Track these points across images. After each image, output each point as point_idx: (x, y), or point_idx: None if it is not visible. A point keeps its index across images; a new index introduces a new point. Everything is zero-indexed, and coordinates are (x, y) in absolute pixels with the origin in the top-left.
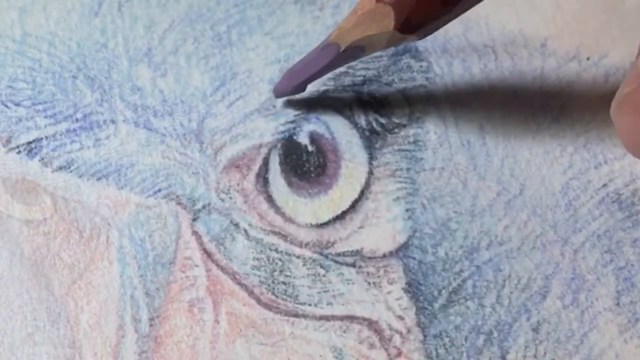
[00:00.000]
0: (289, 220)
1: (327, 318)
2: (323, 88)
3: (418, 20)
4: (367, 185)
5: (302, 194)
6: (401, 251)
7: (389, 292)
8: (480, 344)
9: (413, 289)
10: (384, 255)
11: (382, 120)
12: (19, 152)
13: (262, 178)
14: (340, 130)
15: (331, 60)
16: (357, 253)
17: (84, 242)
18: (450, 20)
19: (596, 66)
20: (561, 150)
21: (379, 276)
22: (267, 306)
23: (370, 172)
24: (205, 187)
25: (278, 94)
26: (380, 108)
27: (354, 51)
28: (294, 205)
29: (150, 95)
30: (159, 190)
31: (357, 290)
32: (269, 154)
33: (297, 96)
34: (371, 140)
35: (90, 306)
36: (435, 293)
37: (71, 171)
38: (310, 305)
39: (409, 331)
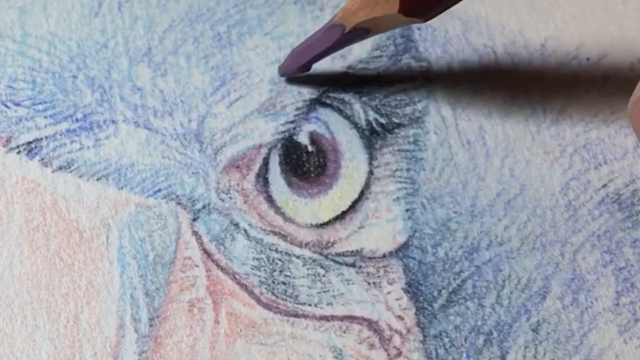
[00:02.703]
0: (289, 220)
1: (327, 318)
2: (323, 88)
3: (423, 2)
4: (367, 185)
5: (302, 194)
6: (401, 251)
7: (389, 292)
8: (480, 344)
9: (413, 289)
10: (384, 256)
11: (382, 120)
12: (19, 152)
13: (262, 178)
14: (340, 130)
15: (335, 41)
16: (357, 253)
17: (84, 242)
18: (455, 3)
19: (596, 66)
20: (561, 150)
21: (379, 276)
22: (267, 306)
23: (370, 172)
24: (205, 187)
25: (283, 73)
26: (380, 108)
27: (359, 33)
28: (294, 205)
29: (150, 95)
30: (159, 190)
31: (357, 290)
32: (269, 154)
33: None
34: (371, 140)
35: (90, 306)
36: (435, 293)
37: (71, 171)
38: (310, 305)
39: (408, 331)
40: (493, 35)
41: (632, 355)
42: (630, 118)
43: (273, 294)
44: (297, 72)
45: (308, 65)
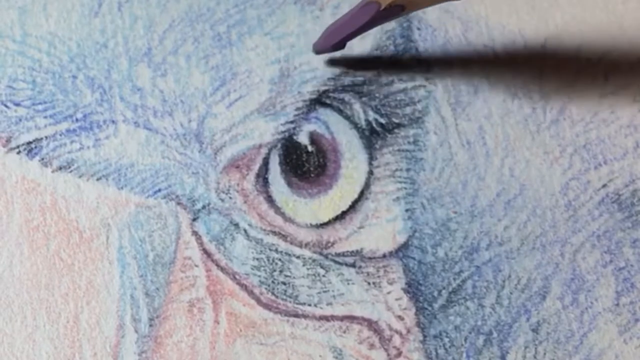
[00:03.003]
0: (289, 220)
1: (327, 318)
2: (323, 88)
3: None
4: (367, 185)
5: (302, 194)
6: (401, 251)
7: (388, 293)
8: (480, 344)
9: (413, 289)
10: (384, 256)
11: (382, 120)
12: (19, 152)
13: (262, 178)
14: (340, 130)
15: (370, 18)
16: (357, 253)
17: (84, 242)
18: None
19: (596, 66)
20: (561, 150)
21: (378, 276)
22: (267, 306)
23: (370, 172)
24: (205, 187)
25: (317, 50)
26: (380, 108)
27: (394, 10)
28: (294, 205)
29: (150, 95)
30: (159, 190)
31: (357, 290)
32: (269, 154)
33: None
34: (371, 140)
35: (90, 306)
36: (435, 293)
37: (71, 171)
38: (310, 305)
39: (408, 331)
40: (493, 35)
41: (632, 355)
42: None
43: (273, 294)
44: (331, 49)
45: (343, 42)
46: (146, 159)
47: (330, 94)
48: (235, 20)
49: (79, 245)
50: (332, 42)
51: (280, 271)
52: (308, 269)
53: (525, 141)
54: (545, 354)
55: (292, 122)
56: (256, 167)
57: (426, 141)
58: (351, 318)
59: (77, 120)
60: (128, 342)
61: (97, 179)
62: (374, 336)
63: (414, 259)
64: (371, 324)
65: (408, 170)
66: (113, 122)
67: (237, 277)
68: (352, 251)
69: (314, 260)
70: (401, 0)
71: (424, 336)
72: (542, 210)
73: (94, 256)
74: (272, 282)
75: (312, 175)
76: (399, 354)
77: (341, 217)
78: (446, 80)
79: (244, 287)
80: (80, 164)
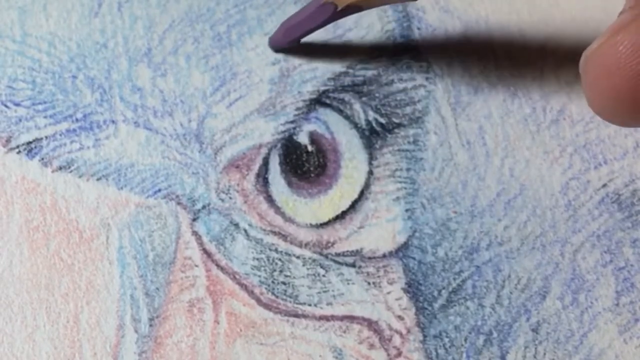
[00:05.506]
0: (289, 220)
1: (327, 318)
2: (323, 88)
3: None
4: (367, 185)
5: (302, 194)
6: (401, 251)
7: (388, 292)
8: (480, 344)
9: (413, 289)
10: (384, 255)
11: (382, 120)
12: (19, 152)
13: (262, 178)
14: (340, 130)
15: (327, 19)
16: (357, 253)
17: (84, 242)
18: None
19: None
20: (561, 150)
21: (378, 276)
22: (267, 306)
23: (370, 172)
24: (205, 187)
25: (273, 46)
26: (380, 108)
27: (351, 9)
28: (294, 205)
29: (150, 95)
30: (159, 190)
31: (357, 290)
32: (269, 154)
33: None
34: (371, 140)
35: (90, 306)
36: (435, 293)
37: (71, 171)
38: (310, 305)
39: (408, 331)
40: (493, 35)
41: (632, 355)
42: (584, 73)
43: (273, 294)
44: (287, 44)
45: (297, 40)
46: (146, 159)
47: (330, 94)
48: (235, 20)
49: (79, 245)
50: (288, 39)
51: (280, 271)
52: (308, 269)
53: (525, 141)
54: (545, 354)
55: (292, 122)
56: (256, 167)
57: (426, 141)
58: (351, 318)
59: (77, 120)
60: (128, 342)
61: (97, 179)
62: (374, 336)
63: (414, 259)
64: (371, 324)
65: (408, 170)
66: (113, 122)
67: (237, 277)
68: (352, 251)
69: (314, 260)
70: (358, 1)
71: (424, 336)
72: (542, 210)
73: (94, 256)
74: (272, 282)
75: (312, 175)
76: (399, 354)
77: (341, 217)
78: (446, 80)
79: (244, 287)
80: (80, 164)
